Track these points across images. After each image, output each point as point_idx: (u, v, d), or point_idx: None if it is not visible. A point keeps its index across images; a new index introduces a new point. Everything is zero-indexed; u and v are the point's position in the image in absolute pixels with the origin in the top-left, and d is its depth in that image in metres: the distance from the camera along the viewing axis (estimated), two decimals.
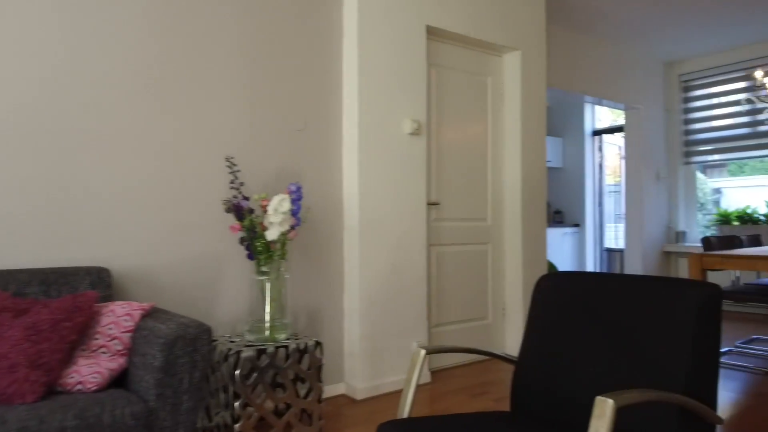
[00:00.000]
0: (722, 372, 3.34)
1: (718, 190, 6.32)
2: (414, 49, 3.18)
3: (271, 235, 2.28)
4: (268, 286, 2.35)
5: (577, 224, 7.04)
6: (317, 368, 2.34)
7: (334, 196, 3.03)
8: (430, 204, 3.38)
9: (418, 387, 2.75)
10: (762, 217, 5.32)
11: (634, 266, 5.81)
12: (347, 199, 3.03)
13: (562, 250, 6.83)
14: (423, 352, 1.62)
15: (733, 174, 6.20)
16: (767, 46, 5.35)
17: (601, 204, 7.15)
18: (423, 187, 3.22)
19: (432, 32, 3.34)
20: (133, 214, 2.39)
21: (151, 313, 1.95)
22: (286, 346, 2.27)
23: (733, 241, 3.84)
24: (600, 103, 5.81)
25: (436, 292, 3.44)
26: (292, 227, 2.37)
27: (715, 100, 5.79)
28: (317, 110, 2.98)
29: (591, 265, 6.99)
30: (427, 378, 3.22)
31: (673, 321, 1.44)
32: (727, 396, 2.93)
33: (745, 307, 5.46)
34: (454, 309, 3.54)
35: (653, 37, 5.33)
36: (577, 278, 1.71)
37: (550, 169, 7.32)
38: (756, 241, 4.16)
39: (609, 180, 7.20)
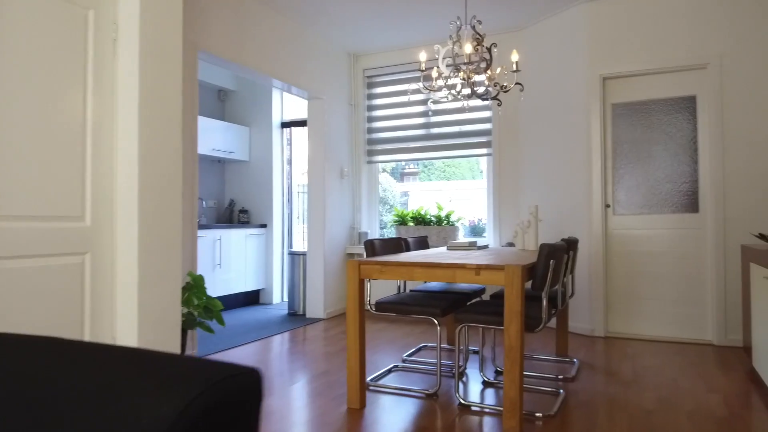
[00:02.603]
0: (393, 398, 2.85)
1: (405, 193, 6.33)
2: None
3: None
4: None
5: (265, 224, 6.30)
6: None
7: None
8: None
9: None
10: (432, 218, 5.37)
11: (315, 270, 5.30)
12: None
13: (247, 254, 5.98)
14: None
15: (423, 180, 6.28)
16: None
17: (290, 202, 6.56)
18: None
19: None
20: None
21: None
22: None
23: (398, 245, 3.46)
24: (288, 91, 5.14)
25: None
26: None
27: (395, 99, 5.70)
28: None
29: (278, 270, 6.33)
30: None
31: None
32: None
33: None
34: None
35: (337, 25, 4.89)
36: None
37: (235, 162, 6.42)
38: (423, 243, 3.93)
39: (301, 177, 6.67)
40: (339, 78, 5.59)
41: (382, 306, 3.04)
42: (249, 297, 6.17)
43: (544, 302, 2.62)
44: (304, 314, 5.49)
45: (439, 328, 2.97)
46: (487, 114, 5.23)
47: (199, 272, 5.30)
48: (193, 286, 3.23)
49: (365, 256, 3.10)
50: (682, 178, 4.26)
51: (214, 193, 6.39)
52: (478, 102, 5.24)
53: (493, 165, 5.19)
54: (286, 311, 5.70)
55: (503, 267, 2.44)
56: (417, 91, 5.49)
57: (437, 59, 3.06)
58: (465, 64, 2.94)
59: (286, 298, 6.42)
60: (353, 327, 2.76)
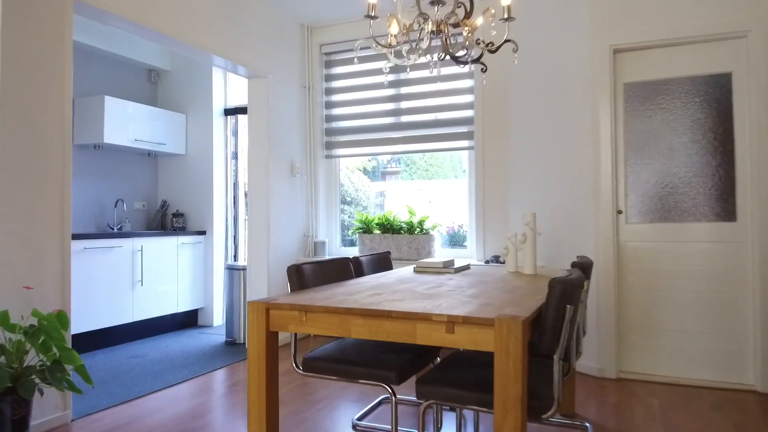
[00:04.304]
0: None
1: (381, 194, 5.33)
2: None
3: None
4: None
5: (204, 231, 5.27)
6: None
7: None
8: None
9: None
10: (402, 225, 4.40)
11: (258, 288, 4.28)
12: None
13: (179, 267, 4.94)
14: None
15: (405, 179, 5.29)
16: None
17: (236, 204, 5.53)
18: None
19: None
20: None
21: None
22: None
23: (342, 268, 2.47)
24: (229, 69, 4.14)
25: None
26: None
27: (359, 81, 4.71)
28: None
29: (219, 286, 5.30)
30: None
31: None
32: None
33: None
34: None
35: None
36: None
37: (169, 156, 5.38)
38: (382, 263, 2.95)
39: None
40: (289, 54, 4.59)
41: (313, 365, 2.05)
42: (185, 318, 5.14)
43: (557, 373, 1.66)
44: (244, 343, 4.48)
45: (395, 399, 1.99)
46: (468, 98, 4.27)
47: (109, 292, 4.25)
48: (40, 331, 2.20)
49: (288, 288, 2.11)
50: (714, 177, 3.34)
51: (142, 192, 5.33)
52: (455, 70, 4.28)
53: (475, 161, 4.23)
54: (224, 338, 4.68)
55: (492, 321, 1.47)
56: (397, 69, 4.51)
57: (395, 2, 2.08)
58: (434, 2, 1.97)
59: None
60: (257, 413, 1.77)
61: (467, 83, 4.27)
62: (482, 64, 2.32)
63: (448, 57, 2.24)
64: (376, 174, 5.21)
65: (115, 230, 4.89)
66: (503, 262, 3.98)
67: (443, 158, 5.06)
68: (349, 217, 4.97)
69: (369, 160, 5.22)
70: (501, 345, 1.45)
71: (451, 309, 1.61)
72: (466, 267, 2.89)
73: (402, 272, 2.72)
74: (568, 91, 3.68)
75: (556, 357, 1.66)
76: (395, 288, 2.10)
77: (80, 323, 4.05)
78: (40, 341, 2.25)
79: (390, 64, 2.36)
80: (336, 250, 4.85)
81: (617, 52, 3.55)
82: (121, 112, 4.67)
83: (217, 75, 5.34)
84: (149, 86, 5.43)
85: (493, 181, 4.16)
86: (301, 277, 2.15)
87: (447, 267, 2.71)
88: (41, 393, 2.20)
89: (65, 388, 2.23)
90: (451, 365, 1.94)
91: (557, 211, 3.73)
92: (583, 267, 2.29)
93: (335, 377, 2.02)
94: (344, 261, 2.50)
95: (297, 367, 2.11)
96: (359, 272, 2.64)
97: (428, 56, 2.20)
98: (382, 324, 1.61)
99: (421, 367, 2.09)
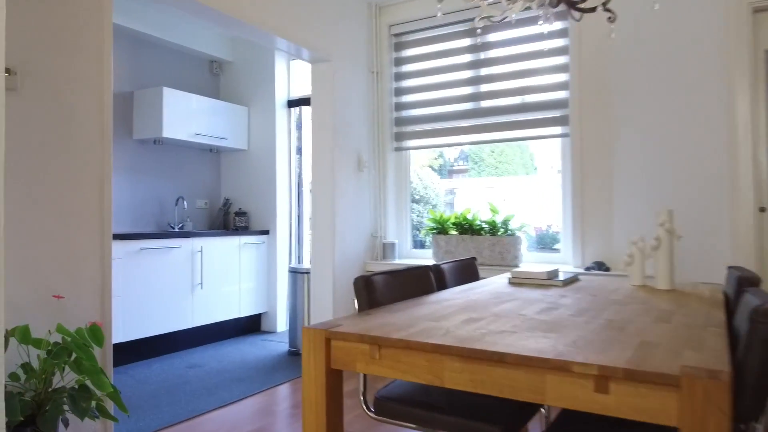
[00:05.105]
0: None
1: (451, 191, 4.82)
2: None
3: None
4: None
5: (267, 231, 4.95)
6: None
7: None
8: None
9: None
10: (484, 225, 3.85)
11: (322, 294, 3.88)
12: None
13: (242, 269, 4.64)
14: None
15: (472, 176, 4.76)
16: None
17: (300, 202, 5.18)
18: None
19: None
20: None
21: None
22: None
23: (421, 279, 1.98)
24: (294, 54, 3.79)
25: None
26: None
27: (433, 63, 4.20)
28: None
29: (283, 289, 4.96)
30: None
31: None
32: None
33: None
34: None
35: None
36: None
37: (231, 151, 5.10)
38: (467, 272, 2.43)
39: None
40: (355, 36, 4.15)
41: (388, 407, 1.57)
42: (247, 324, 4.83)
43: None
44: None
45: None
46: (561, 77, 3.67)
47: (167, 295, 3.98)
48: (64, 350, 1.86)
49: (356, 305, 1.65)
50: None
51: (204, 190, 5.08)
52: (545, 45, 3.68)
53: (571, 150, 3.62)
54: (287, 347, 4.32)
55: (676, 379, 0.93)
56: (490, 29, 3.99)
57: None
58: None
59: None
60: None
61: (560, 60, 3.67)
62: (609, 11, 1.75)
63: (561, 5, 1.69)
64: (442, 172, 4.70)
65: (176, 229, 4.66)
66: (608, 270, 3.35)
67: (513, 154, 4.49)
68: (417, 216, 4.48)
69: (435, 158, 4.72)
70: (693, 420, 0.91)
71: (597, 352, 1.08)
72: (575, 278, 2.32)
73: (494, 284, 2.19)
74: (693, 62, 3.01)
75: (759, 426, 1.09)
76: (495, 310, 1.59)
77: (136, 329, 3.79)
78: (71, 359, 1.92)
79: (484, 17, 1.83)
80: (407, 252, 4.38)
81: (758, 11, 2.85)
82: (180, 104, 4.41)
83: (280, 65, 5.00)
84: (211, 78, 5.17)
85: (594, 173, 3.53)
86: (372, 292, 1.68)
87: (552, 278, 2.16)
88: (65, 425, 1.86)
89: (94, 417, 1.87)
90: (580, 419, 1.41)
91: (680, 208, 3.07)
92: (753, 283, 1.68)
93: (415, 426, 1.54)
94: (423, 270, 2.01)
95: (367, 408, 1.64)
96: (441, 284, 2.15)
97: (534, 2, 1.66)
98: (492, 372, 1.11)
99: (531, 416, 1.57)
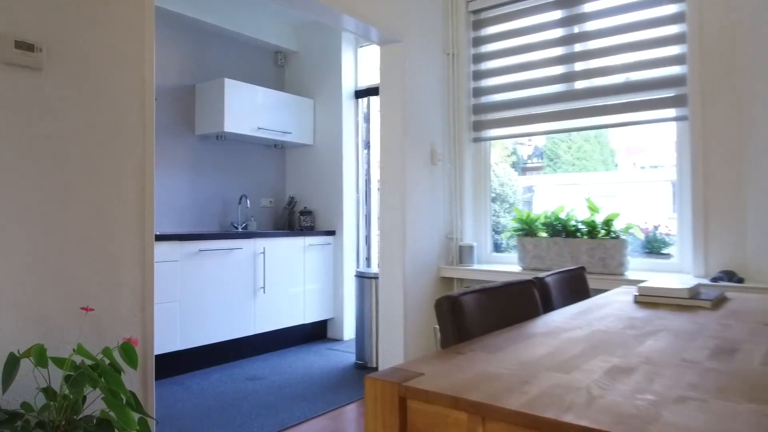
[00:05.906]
0: None
1: (530, 188, 4.30)
2: None
3: None
4: None
5: (333, 231, 4.62)
6: None
7: None
8: None
9: None
10: (582, 226, 3.30)
11: (392, 301, 3.48)
12: None
13: (306, 272, 4.34)
14: None
15: (547, 173, 4.21)
16: None
17: (368, 201, 4.82)
18: None
19: None
20: None
21: None
22: None
23: (524, 295, 1.52)
24: (362, 35, 3.42)
25: None
26: None
27: (515, 42, 3.69)
28: None
29: (350, 293, 4.61)
30: None
31: None
32: None
33: None
34: None
35: None
36: None
37: (296, 146, 4.82)
38: (577, 285, 1.94)
39: None
40: (429, 14, 3.72)
41: None
42: (313, 330, 4.52)
43: None
44: (376, 367, 3.71)
45: None
46: (675, 50, 3.06)
47: (228, 300, 3.73)
48: (84, 376, 1.55)
49: (437, 335, 1.22)
50: None
51: (269, 188, 4.83)
52: (654, 13, 3.08)
53: (690, 136, 3.00)
54: (354, 358, 3.96)
55: None
56: None
57: None
58: None
59: None
60: None
61: (673, 29, 3.06)
62: None
63: None
64: (516, 170, 4.17)
65: (240, 229, 4.42)
66: (741, 281, 2.72)
67: (592, 150, 3.91)
68: (494, 216, 3.98)
69: (508, 155, 4.21)
70: None
71: None
72: (723, 297, 1.77)
73: (615, 303, 1.69)
74: None
75: None
76: (642, 350, 1.11)
77: (195, 337, 3.56)
78: (100, 384, 1.62)
79: None
80: (486, 256, 3.89)
81: None
82: (242, 96, 4.15)
83: (347, 54, 4.65)
84: (275, 69, 4.91)
85: (720, 162, 2.90)
86: (461, 318, 1.25)
87: (695, 297, 1.63)
88: None
89: None
90: None
91: None
92: None
93: None
94: (526, 286, 1.54)
95: None
96: (546, 301, 1.67)
97: None
98: None
99: None
